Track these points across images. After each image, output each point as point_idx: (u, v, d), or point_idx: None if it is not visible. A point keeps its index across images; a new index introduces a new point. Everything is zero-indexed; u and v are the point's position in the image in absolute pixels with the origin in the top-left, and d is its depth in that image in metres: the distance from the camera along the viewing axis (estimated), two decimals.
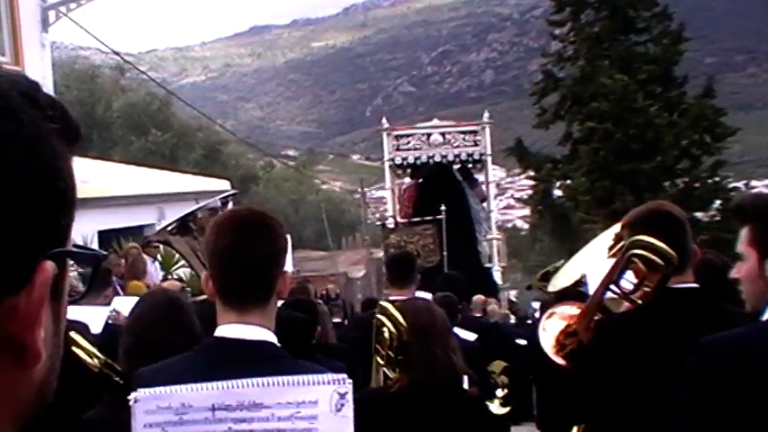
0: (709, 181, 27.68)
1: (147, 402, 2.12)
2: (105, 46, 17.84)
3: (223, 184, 26.34)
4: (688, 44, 29.62)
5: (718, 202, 27.50)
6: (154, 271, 12.77)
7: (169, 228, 5.10)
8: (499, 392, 3.71)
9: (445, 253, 19.86)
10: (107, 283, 6.35)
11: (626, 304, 3.48)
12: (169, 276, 12.36)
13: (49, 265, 0.79)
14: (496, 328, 10.81)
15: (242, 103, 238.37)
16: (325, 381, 2.13)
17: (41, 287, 0.78)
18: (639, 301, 3.36)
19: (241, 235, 2.35)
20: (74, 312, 5.58)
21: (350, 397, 2.12)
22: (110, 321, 5.77)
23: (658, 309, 3.26)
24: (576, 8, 29.70)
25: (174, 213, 19.69)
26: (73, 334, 3.73)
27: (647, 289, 3.33)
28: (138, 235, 17.03)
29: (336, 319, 11.12)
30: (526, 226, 41.21)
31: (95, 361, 3.62)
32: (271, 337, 2.35)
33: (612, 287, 3.46)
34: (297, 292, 8.76)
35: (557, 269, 7.03)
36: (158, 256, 14.07)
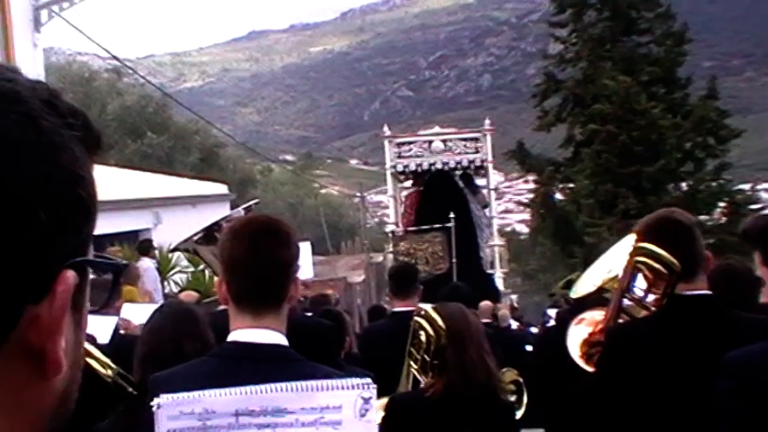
0: (713, 183, 27.43)
1: (170, 408, 2.10)
2: (100, 47, 17.54)
3: (221, 188, 26.04)
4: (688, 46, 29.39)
5: (722, 205, 27.24)
6: (153, 275, 12.43)
7: (195, 237, 5.22)
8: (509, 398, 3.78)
9: (454, 260, 19.84)
10: (119, 294, 6.32)
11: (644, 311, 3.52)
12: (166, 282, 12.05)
13: (71, 275, 0.78)
14: (504, 333, 10.82)
15: (239, 107, 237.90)
16: (350, 385, 2.12)
17: (63, 296, 0.77)
18: (653, 308, 3.41)
19: (256, 242, 2.41)
20: (128, 310, 6.02)
21: (374, 402, 2.12)
22: (120, 331, 6.05)
23: (667, 316, 3.29)
24: (577, 9, 29.46)
25: (170, 217, 19.55)
26: (86, 344, 3.56)
27: (657, 296, 3.37)
28: (132, 240, 16.66)
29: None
30: (525, 230, 40.97)
31: (108, 371, 3.72)
32: (284, 340, 2.41)
33: (627, 294, 3.53)
34: (318, 301, 8.74)
35: (579, 277, 7.05)
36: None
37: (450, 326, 3.56)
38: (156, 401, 2.11)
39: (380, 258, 44.46)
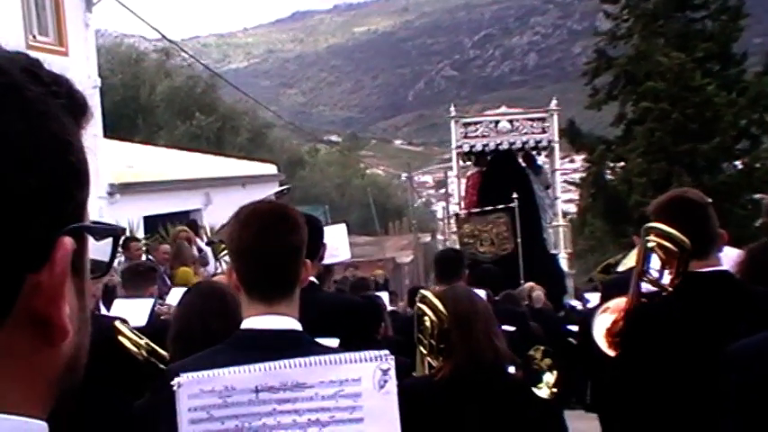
0: None
1: (191, 386, 2.11)
2: (149, 26, 17.55)
3: (270, 168, 26.03)
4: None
5: None
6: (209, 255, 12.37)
7: (223, 229, 4.97)
8: (547, 377, 3.68)
9: (519, 240, 19.70)
10: (152, 280, 6.49)
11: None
12: (218, 263, 11.98)
13: (68, 241, 0.79)
14: (541, 314, 10.88)
15: (284, 89, 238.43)
16: (368, 358, 2.12)
17: (62, 262, 0.78)
18: (670, 288, 3.45)
19: (264, 228, 2.42)
20: (118, 306, 5.87)
21: (392, 373, 2.12)
22: (162, 317, 6.09)
23: (682, 294, 3.35)
24: None
25: (220, 198, 19.56)
26: (118, 323, 4.11)
27: (672, 275, 3.41)
28: (184, 220, 16.67)
29: (393, 307, 11.10)
30: (572, 209, 40.44)
31: (142, 351, 3.88)
32: (297, 325, 2.41)
33: (645, 277, 3.59)
34: (358, 286, 8.87)
35: (618, 261, 7.26)
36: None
37: (456, 308, 3.58)
38: (176, 380, 2.12)
39: (428, 238, 44.39)
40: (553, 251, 22.47)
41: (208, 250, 12.38)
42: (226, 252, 16.20)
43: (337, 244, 5.91)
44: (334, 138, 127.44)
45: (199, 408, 2.11)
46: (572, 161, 54.58)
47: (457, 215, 22.50)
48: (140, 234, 15.60)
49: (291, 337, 2.39)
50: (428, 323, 3.67)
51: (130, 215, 15.59)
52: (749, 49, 29.71)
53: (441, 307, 3.60)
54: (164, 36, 21.64)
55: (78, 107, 0.84)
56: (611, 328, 3.77)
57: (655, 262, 3.54)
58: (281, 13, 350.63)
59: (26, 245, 0.75)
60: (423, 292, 3.95)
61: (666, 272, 3.46)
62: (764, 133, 27.32)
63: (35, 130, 0.76)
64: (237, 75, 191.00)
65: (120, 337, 4.02)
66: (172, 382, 2.13)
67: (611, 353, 3.76)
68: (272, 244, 2.40)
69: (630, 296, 3.70)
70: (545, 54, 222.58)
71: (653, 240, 3.44)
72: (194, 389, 2.11)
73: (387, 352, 2.15)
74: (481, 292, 7.06)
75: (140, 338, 4.03)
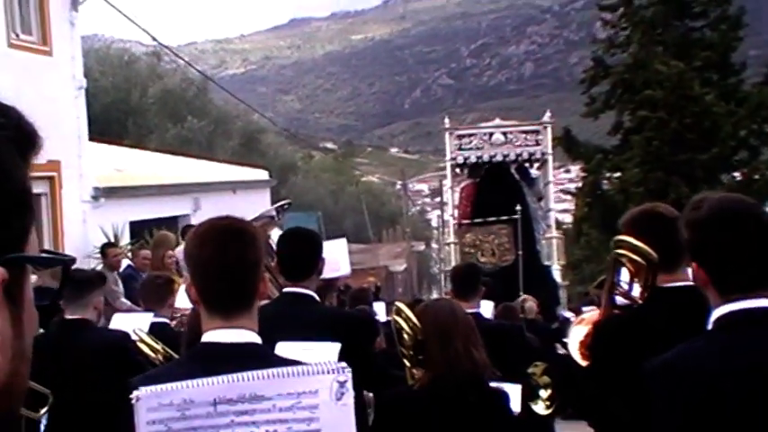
0: None
1: (149, 400, 2.13)
2: (141, 29, 17.18)
3: (262, 174, 25.61)
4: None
5: None
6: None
7: None
8: (543, 393, 3.81)
9: (520, 252, 20.04)
10: (170, 293, 6.35)
11: None
12: None
13: (0, 271, 0.80)
14: (534, 325, 11.10)
15: (281, 95, 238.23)
16: (325, 370, 2.14)
17: None
18: (640, 301, 3.48)
19: (222, 244, 2.44)
20: (117, 321, 5.97)
21: (350, 385, 2.13)
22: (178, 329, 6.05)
23: (648, 307, 3.40)
24: None
25: (210, 203, 19.14)
26: (137, 330, 4.46)
27: (641, 288, 3.45)
28: (171, 226, 16.23)
29: (389, 318, 10.81)
30: (568, 219, 40.33)
31: (158, 356, 4.12)
32: (257, 338, 2.46)
33: (616, 289, 3.64)
34: (357, 297, 8.75)
35: None
36: None
37: (435, 320, 3.63)
38: (135, 394, 2.13)
39: (422, 247, 44.14)
40: (546, 263, 22.58)
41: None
42: None
43: (337, 258, 6.02)
44: (329, 145, 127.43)
45: (157, 421, 2.13)
46: (567, 171, 54.42)
47: (459, 223, 22.66)
48: (126, 240, 15.20)
49: (250, 349, 2.42)
50: (405, 336, 3.74)
51: (115, 220, 15.17)
52: (746, 61, 29.48)
53: (414, 319, 3.67)
54: (155, 39, 21.26)
55: (25, 138, 0.85)
56: (583, 341, 3.80)
57: (625, 275, 3.58)
58: (279, 19, 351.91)
59: None
60: (397, 304, 3.97)
61: (636, 284, 3.50)
62: (763, 144, 27.10)
63: None
64: (234, 80, 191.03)
65: (140, 344, 4.29)
66: (130, 396, 2.14)
67: (584, 363, 3.80)
68: (230, 260, 2.43)
69: (603, 308, 3.76)
70: (541, 63, 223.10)
71: (621, 253, 3.48)
72: (153, 402, 2.13)
73: (344, 364, 2.15)
74: (489, 304, 6.90)
75: (157, 344, 4.30)
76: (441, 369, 3.54)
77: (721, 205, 2.58)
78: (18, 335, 0.85)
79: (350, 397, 2.15)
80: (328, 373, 2.15)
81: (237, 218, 2.65)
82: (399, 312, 3.78)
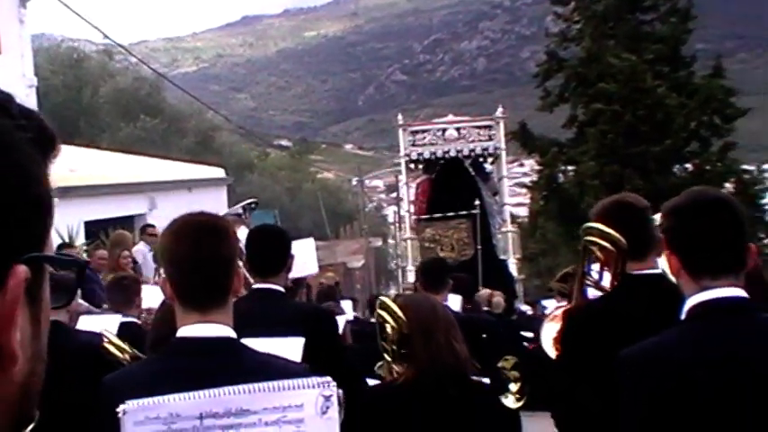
0: (719, 164, 26.90)
1: (136, 414, 2.13)
2: (92, 26, 16.90)
3: (218, 172, 25.43)
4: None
5: (728, 186, 26.67)
6: (149, 260, 11.97)
7: None
8: (513, 387, 3.73)
9: (479, 247, 20.16)
10: (136, 292, 6.35)
11: None
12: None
13: (22, 269, 0.80)
14: (501, 319, 11.36)
15: (234, 93, 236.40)
16: (311, 384, 2.16)
17: (15, 290, 0.80)
18: (609, 290, 3.51)
19: (197, 240, 2.46)
20: (84, 323, 5.78)
21: (335, 399, 2.16)
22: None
23: (617, 295, 3.42)
24: None
25: (166, 202, 18.94)
26: (104, 331, 4.38)
27: (611, 277, 3.48)
28: (127, 225, 16.05)
29: (356, 314, 11.36)
30: (522, 213, 40.64)
31: (126, 356, 4.07)
32: (231, 333, 2.46)
33: (587, 278, 3.69)
34: (325, 294, 8.87)
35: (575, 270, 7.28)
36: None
37: (417, 314, 3.61)
38: (121, 408, 2.13)
39: (379, 243, 44.11)
40: (502, 257, 22.80)
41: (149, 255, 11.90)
42: None
43: (305, 258, 6.12)
44: (284, 142, 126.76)
45: None
46: (521, 165, 54.71)
47: (419, 218, 22.75)
48: (81, 240, 14.99)
49: (224, 343, 2.44)
50: (389, 329, 3.69)
51: (70, 220, 14.95)
52: (695, 54, 29.82)
53: (400, 313, 3.62)
54: (108, 38, 21.00)
55: (47, 141, 0.86)
56: (557, 337, 3.79)
57: (596, 265, 3.62)
58: (231, 17, 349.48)
59: None
60: (382, 298, 3.91)
61: (606, 273, 3.52)
62: (714, 135, 27.39)
63: None
64: (186, 79, 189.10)
65: (107, 344, 4.21)
66: (117, 409, 2.13)
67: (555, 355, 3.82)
68: (205, 255, 2.44)
69: (573, 298, 3.78)
70: (494, 59, 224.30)
71: (591, 240, 3.51)
72: (139, 416, 2.13)
73: (329, 379, 2.18)
74: (457, 299, 6.99)
75: (124, 344, 4.24)
76: (424, 364, 3.53)
77: (699, 194, 2.68)
78: (36, 335, 0.87)
79: (335, 411, 2.17)
80: (313, 387, 2.16)
81: (212, 213, 2.66)
82: (385, 306, 3.76)
